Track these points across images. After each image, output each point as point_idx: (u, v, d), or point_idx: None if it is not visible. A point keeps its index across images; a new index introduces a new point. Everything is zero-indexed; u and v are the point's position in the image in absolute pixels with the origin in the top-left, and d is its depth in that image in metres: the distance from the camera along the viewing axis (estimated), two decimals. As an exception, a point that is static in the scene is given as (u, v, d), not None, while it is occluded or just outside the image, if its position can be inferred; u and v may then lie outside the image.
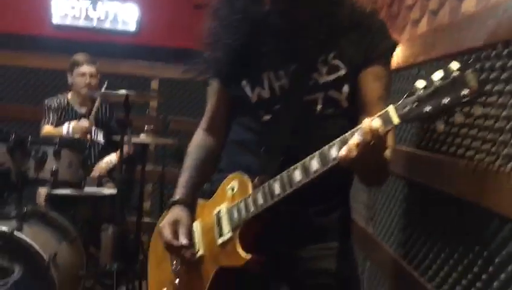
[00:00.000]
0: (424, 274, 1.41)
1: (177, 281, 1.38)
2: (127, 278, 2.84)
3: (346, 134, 1.06)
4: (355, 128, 1.04)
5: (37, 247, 2.35)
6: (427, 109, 0.94)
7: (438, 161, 1.37)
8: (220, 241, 1.27)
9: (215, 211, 1.31)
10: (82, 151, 2.90)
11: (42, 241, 2.45)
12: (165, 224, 1.34)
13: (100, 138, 3.46)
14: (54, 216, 2.64)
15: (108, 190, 3.10)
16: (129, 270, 2.78)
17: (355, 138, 1.01)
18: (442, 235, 1.33)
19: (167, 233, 1.32)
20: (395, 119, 0.98)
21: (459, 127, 1.24)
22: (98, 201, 2.98)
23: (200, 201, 1.42)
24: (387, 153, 1.12)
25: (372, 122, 0.99)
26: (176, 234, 1.32)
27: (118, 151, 3.41)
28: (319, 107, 1.27)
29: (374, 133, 0.98)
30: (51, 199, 2.75)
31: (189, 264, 1.34)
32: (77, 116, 3.40)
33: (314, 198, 1.24)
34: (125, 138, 2.86)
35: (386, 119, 0.99)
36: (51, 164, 2.63)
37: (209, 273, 1.29)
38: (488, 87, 1.12)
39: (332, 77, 1.27)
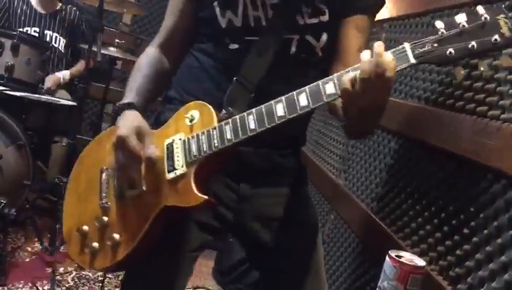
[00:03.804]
0: (398, 232, 1.36)
1: (105, 218, 1.16)
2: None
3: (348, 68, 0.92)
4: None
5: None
6: (450, 50, 0.86)
7: (425, 112, 1.31)
8: (170, 176, 1.08)
9: (167, 142, 1.12)
10: (43, 51, 2.64)
11: (-13, 140, 2.26)
12: (128, 129, 1.09)
13: (61, 45, 3.18)
14: (3, 118, 2.41)
15: (66, 101, 2.88)
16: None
17: (365, 69, 0.87)
18: (422, 192, 1.28)
19: (134, 140, 1.08)
20: (411, 58, 0.88)
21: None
22: (53, 110, 2.76)
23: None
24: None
25: (385, 54, 0.86)
26: (140, 144, 1.10)
27: (78, 65, 3.19)
28: (292, 49, 1.17)
29: (386, 67, 0.85)
30: (2, 98, 2.50)
31: (125, 199, 1.15)
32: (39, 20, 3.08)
33: (275, 139, 1.13)
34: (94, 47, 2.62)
35: (401, 56, 0.88)
36: (6, 58, 2.37)
37: (150, 212, 1.10)
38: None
39: (313, 20, 1.17)
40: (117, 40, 3.02)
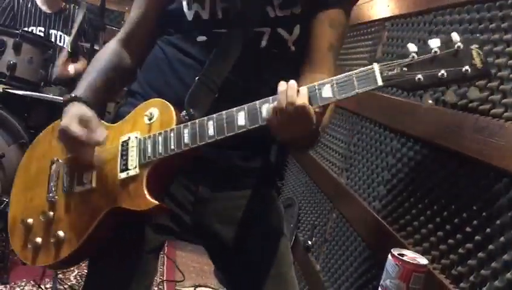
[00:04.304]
0: (401, 230, 1.36)
1: (51, 213, 1.11)
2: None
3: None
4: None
5: (-18, 144, 2.16)
6: (419, 77, 0.84)
7: (428, 111, 1.30)
8: (121, 176, 1.03)
9: (122, 139, 1.06)
10: (45, 50, 2.64)
11: (-11, 139, 2.25)
12: (69, 120, 1.03)
13: (66, 43, 3.18)
14: (5, 116, 2.41)
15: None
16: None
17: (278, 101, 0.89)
18: (424, 191, 1.27)
19: (75, 127, 1.02)
20: (379, 81, 0.86)
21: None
22: (55, 108, 2.76)
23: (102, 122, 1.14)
24: (325, 119, 0.99)
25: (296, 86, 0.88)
26: (85, 131, 1.03)
27: (79, 63, 3.18)
28: (263, 43, 1.10)
29: (297, 97, 0.87)
30: (5, 97, 2.50)
31: (74, 194, 1.09)
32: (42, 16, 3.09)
33: (237, 142, 1.06)
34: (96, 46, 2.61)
35: (368, 77, 0.87)
36: (9, 57, 2.37)
37: (98, 212, 1.04)
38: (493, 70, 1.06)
39: (285, 12, 1.10)
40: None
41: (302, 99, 0.88)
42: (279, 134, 0.95)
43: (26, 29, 2.97)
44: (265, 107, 0.93)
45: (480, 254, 1.01)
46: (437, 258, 1.17)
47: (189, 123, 1.00)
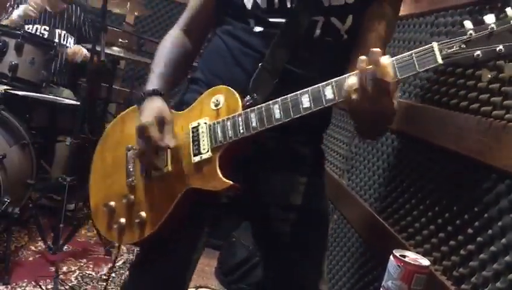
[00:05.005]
0: (402, 231, 1.36)
1: (132, 196, 1.19)
2: (77, 195, 2.70)
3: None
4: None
5: (-16, 145, 2.16)
6: (478, 53, 0.84)
7: (429, 112, 1.31)
8: (195, 159, 1.11)
9: (192, 125, 1.14)
10: (47, 51, 2.64)
11: (-9, 139, 2.25)
12: (150, 118, 1.10)
13: (70, 43, 3.19)
14: (7, 117, 2.41)
15: (70, 100, 2.89)
16: (81, 187, 2.62)
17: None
18: (425, 192, 1.28)
19: (154, 130, 1.09)
20: (439, 59, 0.86)
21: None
22: (57, 109, 2.76)
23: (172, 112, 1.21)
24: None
25: (382, 62, 0.87)
26: (160, 133, 1.11)
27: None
28: (317, 31, 1.15)
29: (382, 74, 0.86)
30: (6, 97, 2.51)
31: (152, 178, 1.17)
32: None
33: (296, 127, 1.11)
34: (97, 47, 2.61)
35: (428, 56, 0.87)
36: (11, 58, 2.38)
37: (175, 193, 1.12)
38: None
39: (339, 2, 1.15)
40: (120, 40, 3.02)
41: (387, 76, 0.86)
42: (357, 113, 0.95)
43: (30, 28, 2.99)
44: (329, 90, 0.96)
45: (481, 256, 1.01)
46: (438, 260, 1.17)
47: (255, 108, 1.05)
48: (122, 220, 1.19)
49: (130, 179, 1.20)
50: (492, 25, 0.83)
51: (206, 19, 1.30)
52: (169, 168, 1.14)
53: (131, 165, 1.21)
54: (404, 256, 0.89)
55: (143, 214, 1.16)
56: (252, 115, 1.05)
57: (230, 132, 1.08)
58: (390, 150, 1.56)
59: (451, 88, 1.27)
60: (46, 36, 3.01)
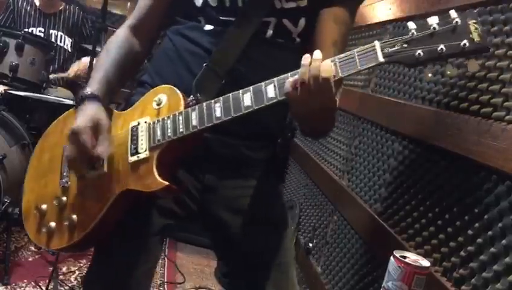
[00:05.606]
0: (402, 233, 1.36)
1: (64, 198, 1.13)
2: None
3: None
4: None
5: (-16, 145, 2.16)
6: (419, 52, 0.87)
7: (430, 114, 1.30)
8: (132, 159, 1.07)
9: (132, 124, 1.10)
10: (47, 51, 2.64)
11: (-9, 140, 2.25)
12: (84, 124, 1.05)
13: (67, 44, 3.19)
14: (7, 117, 2.42)
15: (70, 100, 2.88)
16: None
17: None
18: (426, 193, 1.28)
19: (87, 137, 1.04)
20: (380, 57, 0.88)
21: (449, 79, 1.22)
22: (57, 110, 2.76)
23: (113, 111, 1.18)
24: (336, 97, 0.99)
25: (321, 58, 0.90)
26: (94, 140, 1.06)
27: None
28: (269, 32, 1.14)
29: (321, 69, 0.88)
30: (7, 98, 2.51)
31: (86, 179, 1.11)
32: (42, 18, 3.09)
33: (244, 131, 1.11)
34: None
35: (370, 55, 0.89)
36: (11, 58, 2.38)
37: (110, 194, 1.07)
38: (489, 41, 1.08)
39: (291, 4, 1.13)
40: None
41: (326, 72, 0.89)
42: (298, 109, 0.96)
43: (26, 30, 2.98)
44: (271, 88, 0.95)
45: (482, 257, 1.02)
46: (438, 261, 1.17)
47: (196, 106, 1.03)
48: (52, 223, 1.14)
49: (63, 180, 1.16)
50: (435, 25, 0.85)
51: (155, 19, 1.25)
52: (105, 169, 1.08)
53: (66, 166, 1.16)
54: (404, 257, 0.90)
55: (74, 217, 1.11)
56: (193, 114, 1.02)
57: (169, 131, 1.04)
58: (390, 152, 1.56)
59: (452, 90, 1.27)
60: None
